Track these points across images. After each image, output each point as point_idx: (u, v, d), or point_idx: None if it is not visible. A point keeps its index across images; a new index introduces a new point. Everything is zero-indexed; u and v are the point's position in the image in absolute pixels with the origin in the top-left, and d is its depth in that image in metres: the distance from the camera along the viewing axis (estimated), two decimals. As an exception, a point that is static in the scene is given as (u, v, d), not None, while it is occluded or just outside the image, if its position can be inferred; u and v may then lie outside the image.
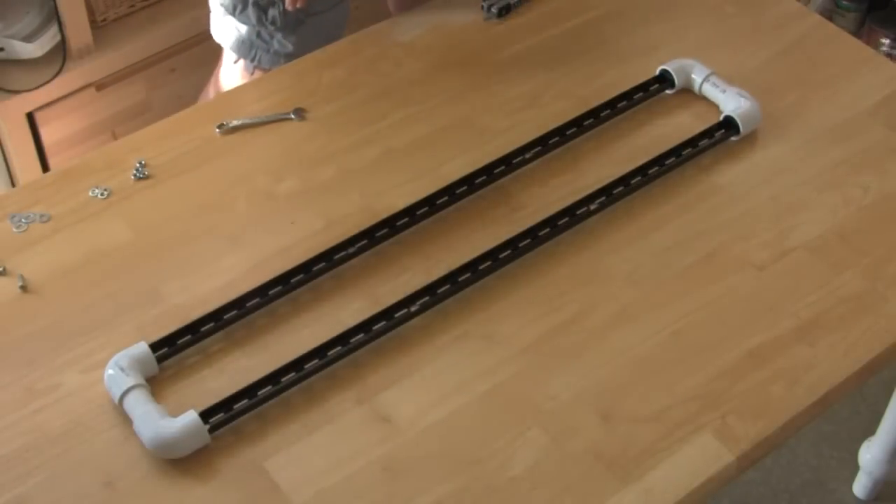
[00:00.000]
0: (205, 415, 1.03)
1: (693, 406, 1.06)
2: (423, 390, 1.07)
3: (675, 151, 1.27)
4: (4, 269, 1.18)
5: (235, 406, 1.04)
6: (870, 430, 1.86)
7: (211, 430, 1.02)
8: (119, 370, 1.05)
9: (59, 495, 1.00)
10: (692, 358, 1.10)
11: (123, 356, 1.07)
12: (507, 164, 1.26)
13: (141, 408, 1.03)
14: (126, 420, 1.04)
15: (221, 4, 1.50)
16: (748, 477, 1.94)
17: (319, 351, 1.08)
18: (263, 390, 1.05)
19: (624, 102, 1.33)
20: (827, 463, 1.97)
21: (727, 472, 1.02)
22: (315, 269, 1.16)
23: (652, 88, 1.36)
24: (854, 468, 1.92)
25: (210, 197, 1.26)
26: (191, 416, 1.02)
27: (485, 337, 1.12)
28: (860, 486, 1.92)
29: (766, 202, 1.25)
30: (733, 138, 1.30)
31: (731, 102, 1.32)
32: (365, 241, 1.19)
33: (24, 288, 1.17)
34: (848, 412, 2.03)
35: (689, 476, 1.01)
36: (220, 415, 1.03)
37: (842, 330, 1.12)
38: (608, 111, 1.32)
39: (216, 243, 1.21)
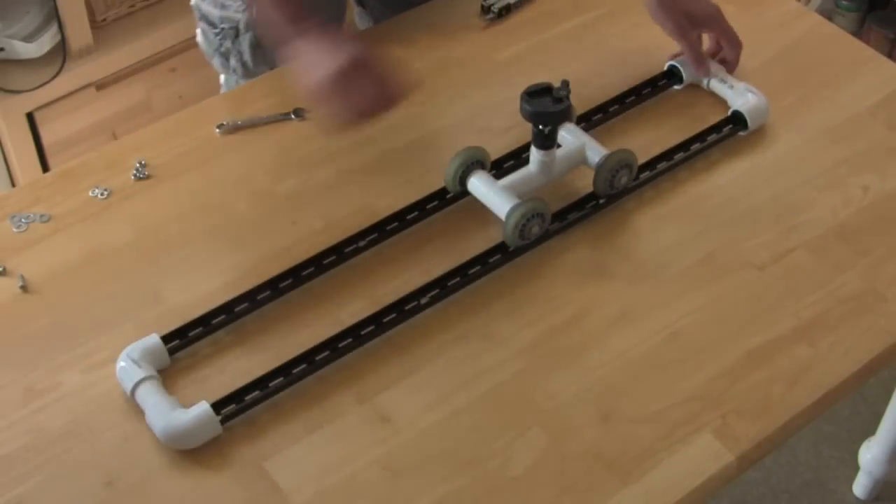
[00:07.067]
0: (216, 406, 1.03)
1: (693, 406, 1.06)
2: (423, 390, 1.07)
3: (683, 146, 1.28)
4: (4, 269, 1.18)
5: (247, 397, 1.04)
6: (870, 430, 1.86)
7: (223, 421, 1.03)
8: (131, 362, 1.06)
9: (60, 495, 1.00)
10: (692, 358, 1.10)
11: (135, 348, 1.07)
12: (507, 163, 1.26)
13: (153, 399, 1.03)
14: (126, 420, 1.04)
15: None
16: (748, 477, 1.94)
17: (329, 343, 1.08)
18: (275, 381, 1.06)
19: (632, 98, 1.34)
20: (827, 463, 1.97)
21: (727, 472, 1.02)
22: (314, 268, 1.16)
23: (660, 84, 1.36)
24: (854, 468, 1.92)
25: (210, 197, 1.26)
26: (203, 407, 1.02)
27: (485, 337, 1.12)
28: (860, 486, 1.92)
29: (766, 202, 1.25)
30: (741, 133, 1.30)
31: (739, 97, 1.32)
32: (364, 242, 1.19)
33: (24, 288, 1.17)
34: (848, 412, 2.03)
35: (689, 476, 1.01)
36: (231, 406, 1.04)
37: (842, 330, 1.12)
38: (616, 107, 1.33)
39: (216, 243, 1.21)
